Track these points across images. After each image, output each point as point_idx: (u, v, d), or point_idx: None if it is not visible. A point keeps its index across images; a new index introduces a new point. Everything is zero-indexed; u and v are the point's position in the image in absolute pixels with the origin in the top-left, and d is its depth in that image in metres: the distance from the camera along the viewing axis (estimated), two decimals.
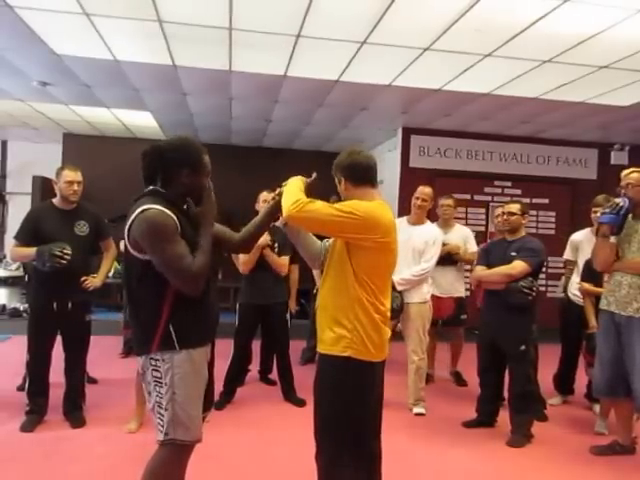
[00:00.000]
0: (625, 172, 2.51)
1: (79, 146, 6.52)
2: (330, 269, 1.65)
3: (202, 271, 1.47)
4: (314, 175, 1.71)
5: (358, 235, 1.54)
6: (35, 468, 2.27)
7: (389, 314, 1.66)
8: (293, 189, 1.61)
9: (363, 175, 1.66)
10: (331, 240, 1.74)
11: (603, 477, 2.40)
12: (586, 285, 3.02)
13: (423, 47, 3.35)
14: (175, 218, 1.47)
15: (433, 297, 3.74)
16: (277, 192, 1.70)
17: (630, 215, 2.47)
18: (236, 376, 3.20)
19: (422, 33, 3.14)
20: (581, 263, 3.18)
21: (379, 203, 1.63)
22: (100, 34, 3.30)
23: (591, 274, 3.02)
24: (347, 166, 1.66)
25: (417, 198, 3.12)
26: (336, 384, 1.58)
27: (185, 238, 1.49)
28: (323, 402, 1.62)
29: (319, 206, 1.53)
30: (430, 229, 3.16)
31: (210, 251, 1.53)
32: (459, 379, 3.83)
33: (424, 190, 3.13)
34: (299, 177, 1.68)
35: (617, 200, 2.43)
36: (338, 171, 1.68)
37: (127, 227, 1.47)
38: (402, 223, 3.19)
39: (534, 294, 2.66)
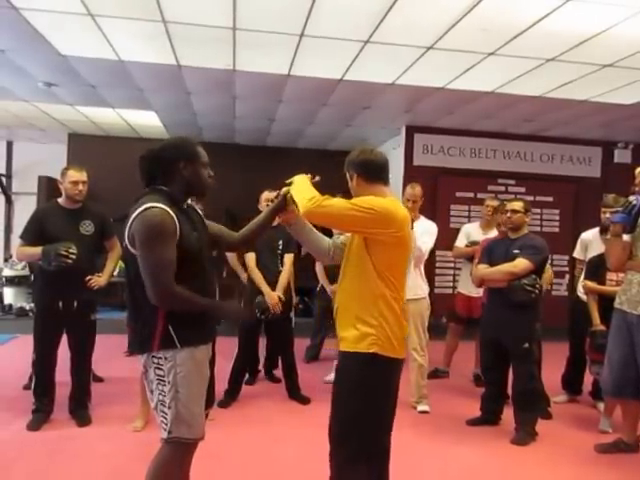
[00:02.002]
0: (638, 169, 2.47)
1: (84, 146, 6.55)
2: (348, 267, 1.64)
3: (173, 298, 1.45)
4: (316, 177, 1.72)
5: (375, 230, 1.54)
6: (41, 466, 2.28)
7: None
8: (304, 186, 1.61)
9: (377, 172, 1.66)
10: (341, 237, 1.75)
11: (607, 475, 2.40)
12: (589, 283, 3.02)
13: (426, 46, 3.35)
14: (175, 218, 1.47)
15: (463, 296, 3.78)
16: (278, 193, 1.71)
17: None
18: (240, 374, 3.21)
19: (425, 32, 3.13)
20: None
21: (392, 199, 1.64)
22: (105, 35, 3.32)
23: (594, 272, 3.02)
24: (361, 163, 1.66)
25: (408, 200, 3.13)
26: (362, 381, 1.57)
27: (184, 237, 1.49)
28: (346, 400, 1.59)
29: (336, 201, 1.54)
30: (426, 222, 3.21)
31: (195, 307, 1.51)
32: (480, 380, 3.77)
33: (413, 192, 3.14)
34: (303, 175, 1.69)
35: (630, 198, 2.39)
36: (351, 167, 1.67)
37: (128, 224, 1.48)
38: None
39: (537, 292, 2.66)
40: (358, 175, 1.65)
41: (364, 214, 1.52)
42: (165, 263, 1.43)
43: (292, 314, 3.33)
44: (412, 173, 5.48)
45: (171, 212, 1.47)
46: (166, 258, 1.44)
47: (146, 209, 1.45)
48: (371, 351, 1.54)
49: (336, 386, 1.64)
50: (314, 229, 1.79)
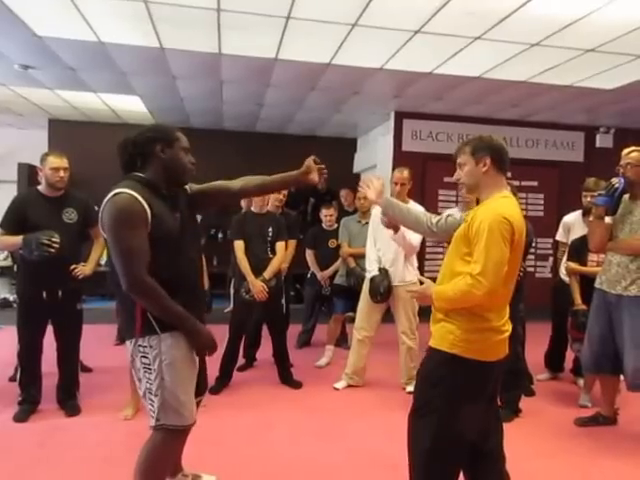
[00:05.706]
0: (625, 151, 2.50)
1: (65, 132, 6.36)
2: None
3: (142, 287, 1.42)
4: (311, 157, 1.72)
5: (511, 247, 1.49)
6: (30, 457, 2.26)
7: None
8: (447, 292, 1.50)
9: (506, 162, 1.58)
10: (450, 218, 1.77)
11: (586, 447, 2.50)
12: (572, 264, 3.09)
13: (414, 30, 3.32)
14: (146, 205, 1.44)
15: None
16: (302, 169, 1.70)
17: (627, 195, 2.50)
18: (231, 361, 3.21)
19: (412, 15, 3.10)
20: None
21: (509, 201, 1.54)
22: (82, 14, 3.19)
23: (577, 253, 3.09)
24: (497, 147, 1.56)
25: (396, 184, 3.14)
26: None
27: (158, 223, 1.46)
28: None
29: (488, 263, 1.41)
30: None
31: (167, 310, 1.46)
32: None
33: (402, 175, 3.15)
34: (425, 287, 1.59)
35: (613, 181, 2.43)
36: (484, 150, 1.55)
37: (100, 211, 1.47)
38: None
39: (522, 274, 2.71)
40: (492, 160, 1.54)
41: (506, 245, 1.44)
42: (133, 250, 1.41)
43: (283, 301, 3.33)
44: (401, 159, 5.48)
45: (140, 198, 1.43)
46: (134, 244, 1.41)
47: (115, 195, 1.44)
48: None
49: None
50: (407, 208, 1.87)
